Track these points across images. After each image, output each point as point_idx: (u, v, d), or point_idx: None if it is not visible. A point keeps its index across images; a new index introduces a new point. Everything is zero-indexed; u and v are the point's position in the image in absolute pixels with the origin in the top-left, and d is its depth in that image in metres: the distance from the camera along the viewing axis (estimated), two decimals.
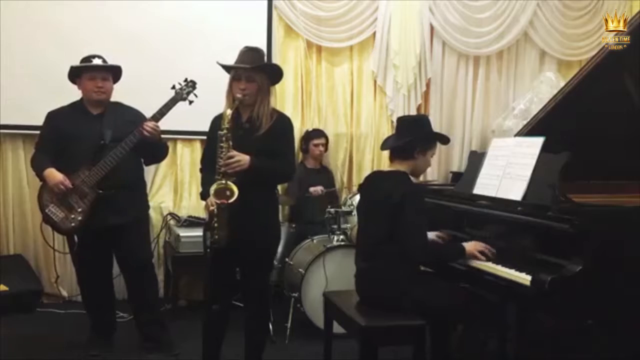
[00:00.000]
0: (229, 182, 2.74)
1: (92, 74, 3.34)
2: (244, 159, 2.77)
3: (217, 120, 2.96)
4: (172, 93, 3.36)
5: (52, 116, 3.44)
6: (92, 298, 3.53)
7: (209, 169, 2.92)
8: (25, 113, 4.32)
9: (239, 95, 2.83)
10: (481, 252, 2.75)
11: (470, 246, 2.77)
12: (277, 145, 2.90)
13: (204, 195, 2.92)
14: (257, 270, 2.97)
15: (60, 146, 3.32)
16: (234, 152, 2.77)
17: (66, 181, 3.20)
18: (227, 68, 2.93)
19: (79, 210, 3.25)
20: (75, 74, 3.39)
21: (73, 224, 3.26)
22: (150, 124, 3.27)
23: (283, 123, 2.97)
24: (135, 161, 3.43)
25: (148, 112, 3.62)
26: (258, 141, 2.84)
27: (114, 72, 3.44)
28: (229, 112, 2.78)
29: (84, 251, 3.37)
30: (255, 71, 2.85)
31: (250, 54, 2.91)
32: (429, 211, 2.86)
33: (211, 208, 2.75)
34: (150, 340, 3.51)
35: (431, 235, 2.97)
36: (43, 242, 4.42)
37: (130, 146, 3.25)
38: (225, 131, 2.76)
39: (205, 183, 2.94)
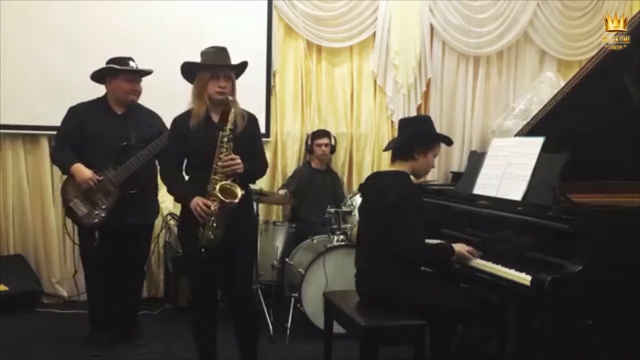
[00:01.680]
0: (234, 183, 2.76)
1: (131, 76, 3.42)
2: (241, 162, 2.79)
3: (184, 121, 2.90)
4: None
5: (75, 113, 3.48)
6: (102, 294, 3.54)
7: (176, 169, 2.92)
8: (25, 113, 4.32)
9: (219, 96, 2.82)
10: (469, 253, 2.81)
11: (458, 246, 2.82)
12: (253, 145, 2.94)
13: (181, 197, 2.89)
14: (238, 267, 2.95)
15: (83, 143, 3.39)
16: (235, 155, 2.78)
17: (95, 178, 3.28)
18: (210, 66, 2.86)
19: (103, 207, 3.33)
20: (109, 74, 3.43)
21: (96, 220, 3.34)
22: None
23: (255, 122, 3.00)
24: (152, 163, 3.49)
25: None
26: (237, 141, 2.82)
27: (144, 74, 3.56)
28: (232, 114, 2.78)
29: (100, 247, 3.40)
30: (232, 69, 2.88)
31: (223, 53, 2.91)
32: (426, 211, 2.85)
33: (214, 207, 2.75)
34: (122, 334, 3.61)
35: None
36: (43, 242, 4.48)
37: (157, 150, 3.32)
38: (228, 132, 2.77)
39: (178, 184, 2.92)
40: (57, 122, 4.23)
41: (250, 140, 2.92)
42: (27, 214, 4.47)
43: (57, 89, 4.32)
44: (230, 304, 3.08)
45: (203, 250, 2.79)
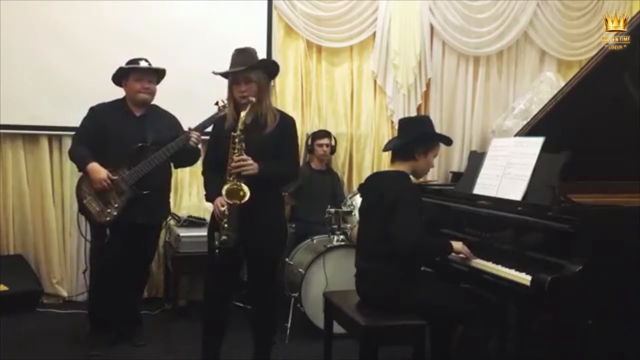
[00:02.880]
0: (241, 183, 2.76)
1: (140, 75, 3.47)
2: (254, 163, 2.79)
3: (220, 122, 2.97)
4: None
5: (96, 112, 3.53)
6: (106, 293, 3.52)
7: (213, 170, 2.93)
8: (25, 113, 4.32)
9: (242, 100, 2.85)
10: (466, 253, 2.80)
11: (456, 244, 2.82)
12: (282, 146, 2.91)
13: (209, 197, 2.93)
14: (263, 270, 2.98)
15: (100, 142, 3.43)
16: (246, 156, 2.78)
17: (108, 179, 3.33)
18: (223, 75, 2.95)
19: (115, 206, 3.38)
20: (122, 75, 3.50)
21: (108, 218, 3.38)
22: (196, 134, 3.39)
23: (287, 123, 2.98)
24: (167, 164, 3.54)
25: None
26: (264, 141, 2.85)
27: (158, 75, 3.59)
28: (243, 114, 2.80)
29: (111, 245, 3.41)
30: (250, 71, 2.87)
31: (241, 55, 2.93)
32: (426, 211, 2.85)
33: (222, 208, 2.76)
34: (122, 334, 3.63)
35: None
36: (43, 242, 4.48)
37: (172, 152, 3.38)
38: (239, 132, 2.78)
39: (210, 185, 2.96)
40: (57, 122, 4.24)
41: (279, 140, 2.90)
42: (27, 214, 4.46)
43: (57, 89, 4.32)
44: (250, 296, 3.11)
45: (217, 250, 2.80)
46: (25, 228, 4.48)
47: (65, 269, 4.56)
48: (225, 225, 2.76)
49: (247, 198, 2.74)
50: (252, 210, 2.76)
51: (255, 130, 2.86)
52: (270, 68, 2.99)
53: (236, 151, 2.78)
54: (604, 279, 2.32)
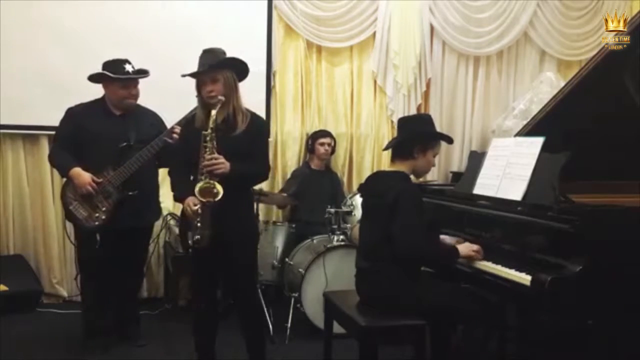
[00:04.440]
0: (214, 182, 2.75)
1: (126, 82, 3.40)
2: (226, 162, 2.79)
3: (191, 122, 2.96)
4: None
5: (74, 114, 3.46)
6: (100, 297, 3.52)
7: (181, 170, 2.92)
8: (25, 113, 4.32)
9: (210, 100, 2.83)
10: (475, 252, 2.78)
11: (463, 247, 2.80)
12: (253, 147, 2.91)
13: (178, 197, 2.92)
14: (239, 268, 2.97)
15: (81, 144, 3.37)
16: (217, 155, 2.78)
17: (93, 183, 3.26)
18: (191, 76, 2.92)
19: (103, 209, 3.31)
20: (105, 80, 3.42)
21: (97, 223, 3.31)
22: (178, 128, 3.31)
23: (258, 124, 2.98)
24: (152, 164, 3.48)
25: None
26: (234, 142, 2.84)
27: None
28: (213, 112, 2.78)
29: (102, 250, 3.38)
30: (216, 70, 2.86)
31: (207, 55, 2.91)
32: (424, 211, 2.85)
33: (195, 207, 2.76)
34: (122, 334, 3.64)
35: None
36: (43, 242, 4.48)
37: (156, 149, 3.32)
38: (210, 131, 2.77)
39: (179, 184, 2.94)
40: (57, 122, 4.23)
41: (250, 141, 2.89)
42: (27, 214, 4.47)
43: (57, 89, 4.32)
44: (236, 305, 3.10)
45: (190, 250, 2.80)
46: (25, 228, 4.49)
47: (65, 269, 4.56)
48: (199, 225, 2.75)
49: (220, 196, 2.73)
50: (224, 209, 2.76)
51: (225, 131, 2.85)
52: (238, 67, 2.94)
53: (207, 150, 2.77)
54: (604, 279, 2.32)
